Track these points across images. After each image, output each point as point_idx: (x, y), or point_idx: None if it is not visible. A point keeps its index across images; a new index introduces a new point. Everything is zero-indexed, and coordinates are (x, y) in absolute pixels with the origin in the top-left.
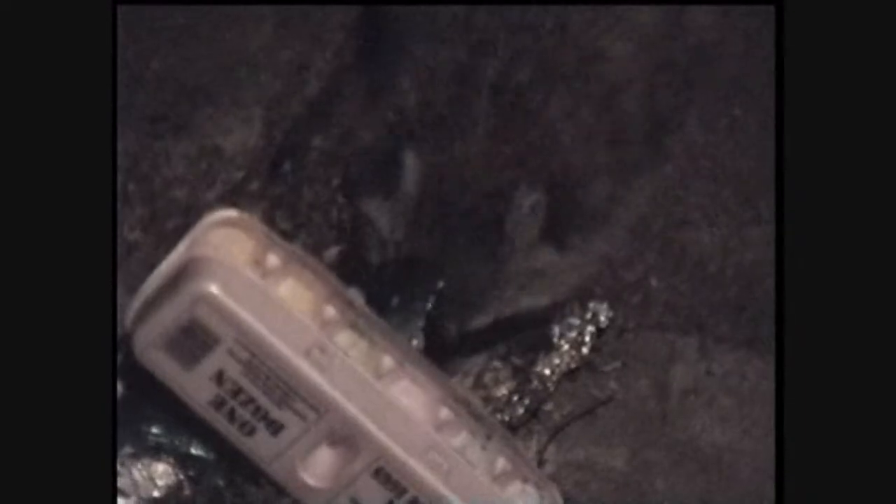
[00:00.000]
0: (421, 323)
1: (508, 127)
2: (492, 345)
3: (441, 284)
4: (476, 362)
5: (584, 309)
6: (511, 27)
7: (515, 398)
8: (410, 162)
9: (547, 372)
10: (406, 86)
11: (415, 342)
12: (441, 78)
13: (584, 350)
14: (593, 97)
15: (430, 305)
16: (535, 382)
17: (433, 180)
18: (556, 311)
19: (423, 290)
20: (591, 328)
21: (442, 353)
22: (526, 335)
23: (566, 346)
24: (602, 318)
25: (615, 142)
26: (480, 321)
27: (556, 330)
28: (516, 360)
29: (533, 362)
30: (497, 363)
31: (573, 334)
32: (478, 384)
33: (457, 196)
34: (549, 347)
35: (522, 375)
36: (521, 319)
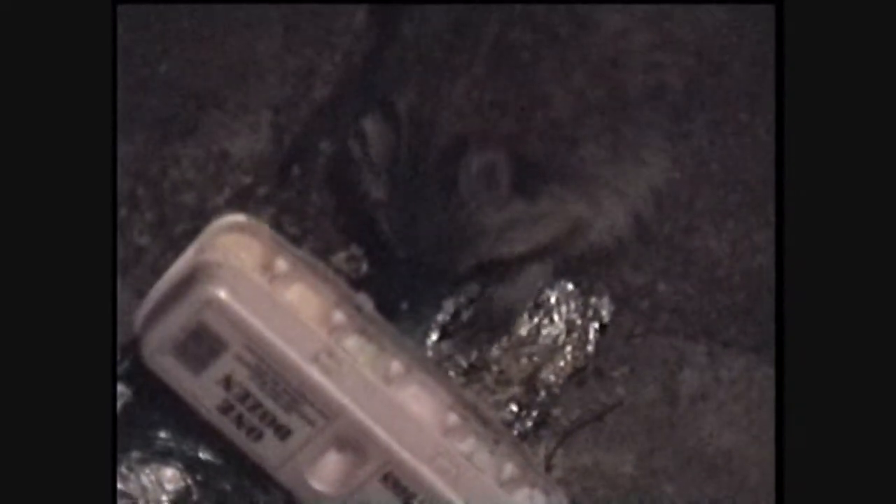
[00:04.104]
0: (432, 330)
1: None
2: (470, 284)
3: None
4: (449, 304)
5: (586, 306)
6: None
7: (524, 413)
8: (370, 128)
9: (552, 378)
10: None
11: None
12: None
13: (590, 348)
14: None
15: (442, 316)
16: (543, 393)
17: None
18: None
19: (433, 296)
20: (594, 325)
21: (422, 297)
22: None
23: (569, 348)
24: (604, 313)
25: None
26: (461, 266)
27: (560, 327)
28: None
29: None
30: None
31: (575, 334)
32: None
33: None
34: (553, 350)
35: (529, 386)
36: (497, 265)
